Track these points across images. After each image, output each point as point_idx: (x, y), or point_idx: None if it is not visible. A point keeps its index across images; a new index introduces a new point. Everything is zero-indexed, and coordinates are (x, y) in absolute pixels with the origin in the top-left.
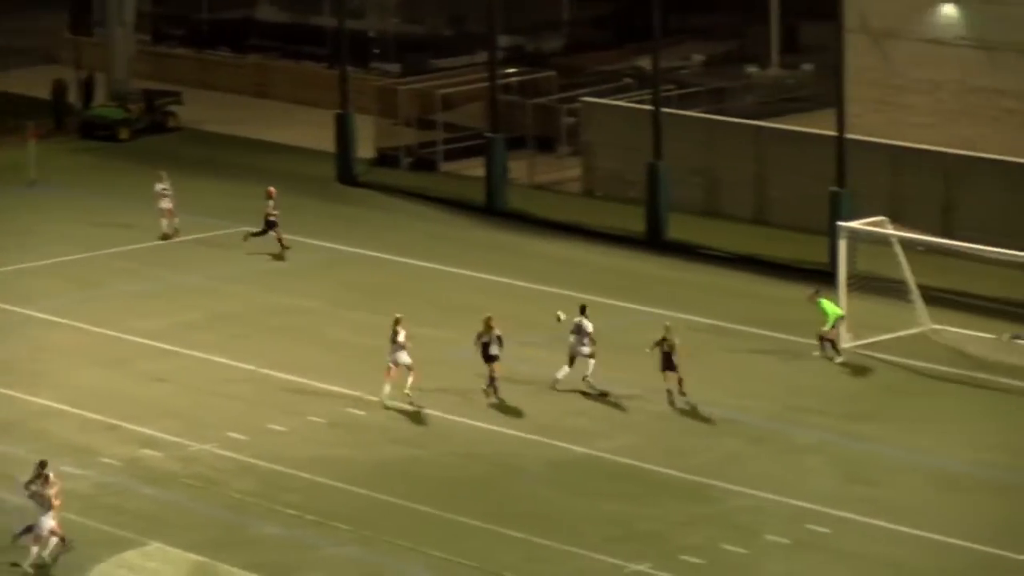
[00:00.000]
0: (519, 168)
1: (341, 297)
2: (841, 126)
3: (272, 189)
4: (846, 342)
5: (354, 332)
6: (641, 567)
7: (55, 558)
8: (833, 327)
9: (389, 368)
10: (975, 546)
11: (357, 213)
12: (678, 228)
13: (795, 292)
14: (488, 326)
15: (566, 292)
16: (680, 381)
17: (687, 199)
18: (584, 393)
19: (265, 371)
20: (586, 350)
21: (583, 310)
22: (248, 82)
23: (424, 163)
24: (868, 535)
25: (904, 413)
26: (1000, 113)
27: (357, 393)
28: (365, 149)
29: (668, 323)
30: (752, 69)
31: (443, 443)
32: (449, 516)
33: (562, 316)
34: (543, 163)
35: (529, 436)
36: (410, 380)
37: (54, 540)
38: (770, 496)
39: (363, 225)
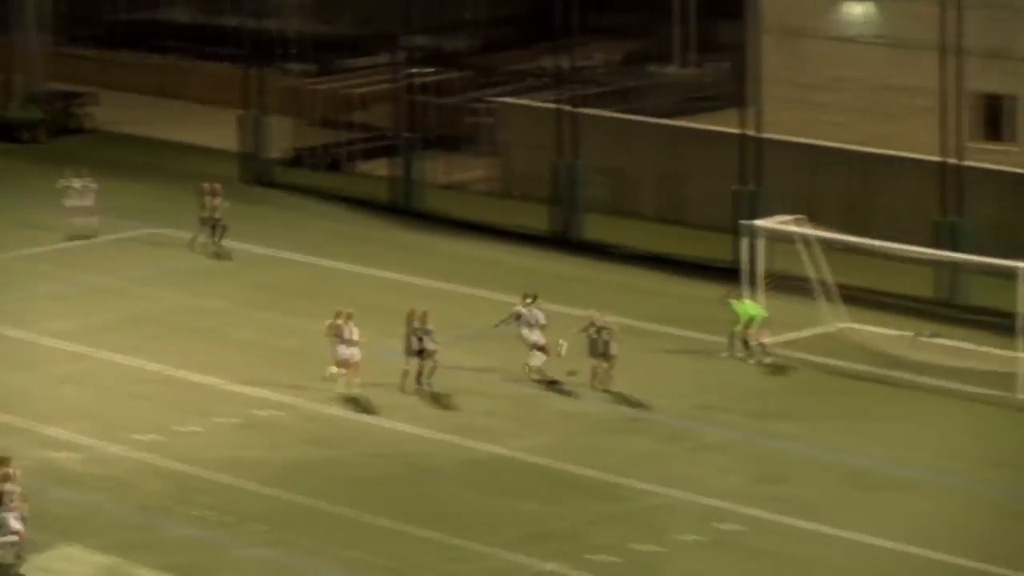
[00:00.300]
0: (432, 168)
1: (253, 298)
2: (752, 124)
3: (212, 185)
4: (756, 340)
5: (266, 333)
6: (554, 566)
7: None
8: (760, 327)
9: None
10: (887, 544)
11: (268, 213)
12: (590, 227)
13: (707, 291)
14: (409, 318)
15: (480, 292)
16: (599, 372)
17: (600, 198)
18: (552, 381)
19: (177, 372)
20: (535, 338)
21: (533, 299)
22: (159, 83)
23: (336, 163)
24: (780, 533)
25: (816, 411)
26: (911, 111)
27: (269, 394)
28: (276, 149)
29: (595, 311)
30: (663, 68)
31: (355, 444)
32: (362, 517)
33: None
34: (456, 163)
35: (442, 436)
36: (356, 379)
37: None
38: (681, 495)
39: (274, 226)
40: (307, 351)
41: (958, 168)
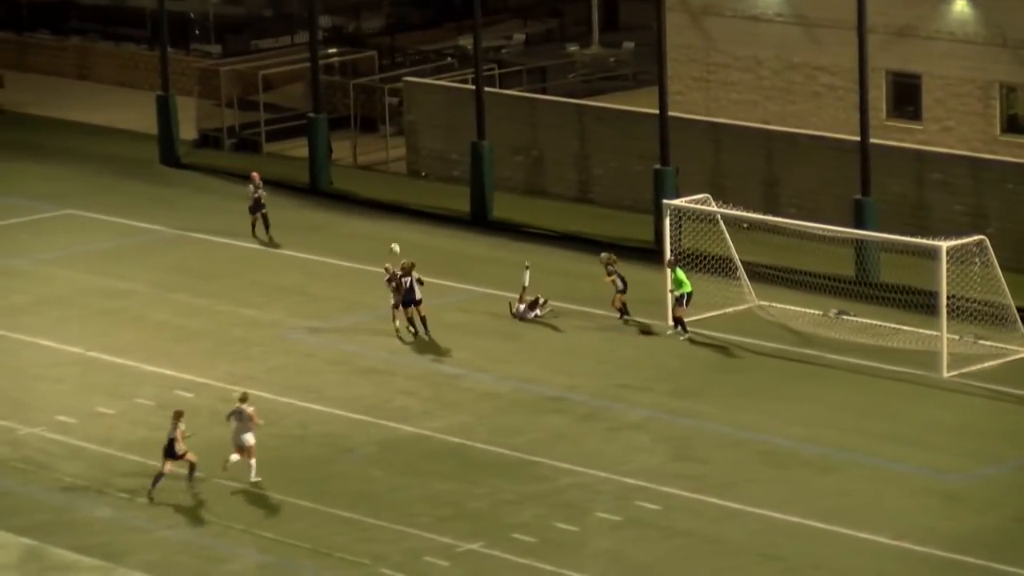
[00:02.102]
0: (342, 148)
1: (165, 280)
2: (663, 104)
3: (255, 174)
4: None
5: (179, 314)
6: (473, 546)
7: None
8: (680, 304)
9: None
10: (802, 521)
11: (180, 195)
12: (503, 207)
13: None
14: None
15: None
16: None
17: (511, 178)
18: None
19: (92, 354)
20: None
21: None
22: (69, 65)
23: (247, 144)
24: (696, 511)
25: (730, 389)
26: (820, 89)
27: (184, 376)
28: (188, 131)
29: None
30: (573, 48)
31: (273, 424)
32: (280, 497)
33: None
34: (367, 143)
35: (358, 416)
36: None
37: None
38: (599, 473)
39: (186, 207)
40: (219, 333)
41: (869, 146)
